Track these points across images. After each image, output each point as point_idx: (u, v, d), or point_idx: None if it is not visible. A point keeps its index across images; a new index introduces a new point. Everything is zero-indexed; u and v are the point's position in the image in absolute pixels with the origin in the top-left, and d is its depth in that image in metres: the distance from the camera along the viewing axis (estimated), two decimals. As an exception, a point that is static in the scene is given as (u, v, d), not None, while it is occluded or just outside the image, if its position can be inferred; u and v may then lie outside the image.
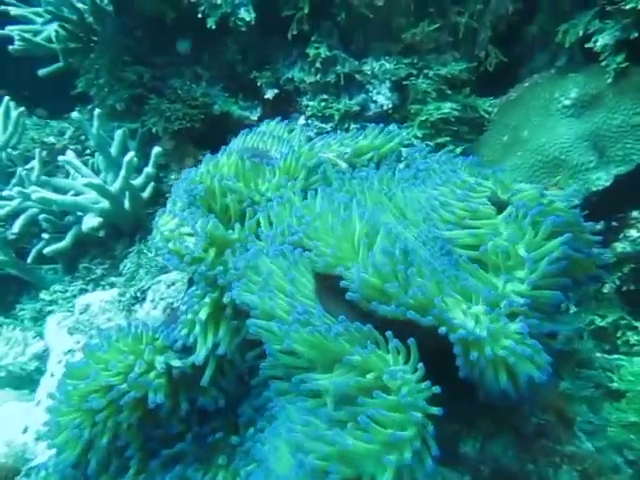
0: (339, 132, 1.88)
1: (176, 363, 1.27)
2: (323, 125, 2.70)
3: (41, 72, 3.23)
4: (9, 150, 2.78)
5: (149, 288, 1.91)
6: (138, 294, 1.92)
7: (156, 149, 2.57)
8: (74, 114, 2.57)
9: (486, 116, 2.91)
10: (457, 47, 2.85)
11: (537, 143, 2.63)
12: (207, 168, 1.45)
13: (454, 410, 1.17)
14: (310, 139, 1.73)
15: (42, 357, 1.83)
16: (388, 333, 1.11)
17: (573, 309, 2.29)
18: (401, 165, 1.71)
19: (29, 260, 2.56)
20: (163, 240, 1.32)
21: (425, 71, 2.82)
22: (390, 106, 2.73)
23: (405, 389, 1.02)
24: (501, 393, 1.12)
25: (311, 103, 2.73)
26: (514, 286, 1.16)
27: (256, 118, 2.92)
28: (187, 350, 1.33)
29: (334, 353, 1.08)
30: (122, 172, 2.39)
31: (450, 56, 2.88)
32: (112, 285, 2.47)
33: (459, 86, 2.90)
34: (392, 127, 1.81)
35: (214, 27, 2.68)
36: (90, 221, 2.35)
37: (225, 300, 1.27)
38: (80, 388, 1.18)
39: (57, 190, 2.69)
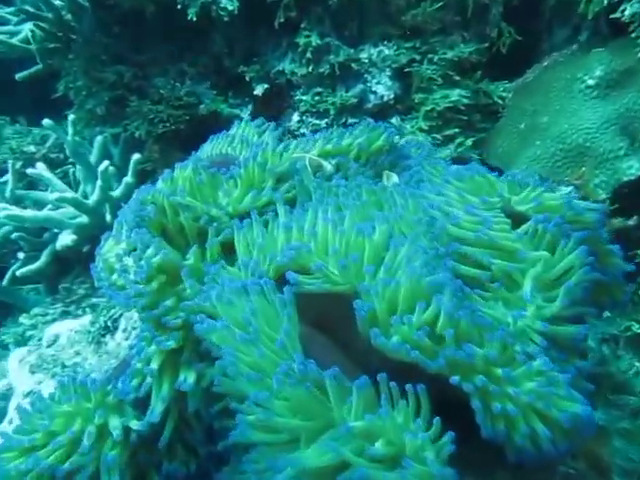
0: (329, 130, 1.66)
1: (135, 425, 1.07)
2: (318, 122, 2.49)
3: (18, 76, 3.07)
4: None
5: (121, 315, 1.73)
6: (109, 323, 1.75)
7: (135, 156, 2.39)
8: (46, 121, 2.40)
9: (500, 102, 2.66)
10: (466, 27, 2.61)
11: (558, 130, 2.39)
12: (161, 185, 1.25)
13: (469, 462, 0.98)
14: (282, 140, 1.52)
15: (7, 396, 1.66)
16: (392, 384, 0.90)
17: (606, 314, 2.05)
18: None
19: (4, 282, 2.41)
20: (106, 270, 1.13)
21: (430, 56, 2.58)
22: (392, 97, 2.50)
23: (430, 454, 0.81)
24: (536, 449, 0.91)
25: (304, 97, 2.51)
26: (530, 321, 0.94)
27: (247, 116, 2.72)
28: (146, 402, 1.14)
29: (327, 417, 0.87)
30: (98, 183, 2.21)
31: (458, 37, 2.64)
32: (93, 307, 2.30)
33: (469, 70, 2.65)
34: (380, 123, 1.58)
35: (195, 19, 2.48)
36: (64, 239, 2.18)
37: (179, 343, 1.07)
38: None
39: (37, 203, 2.54)
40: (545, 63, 2.53)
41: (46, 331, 1.76)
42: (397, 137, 1.74)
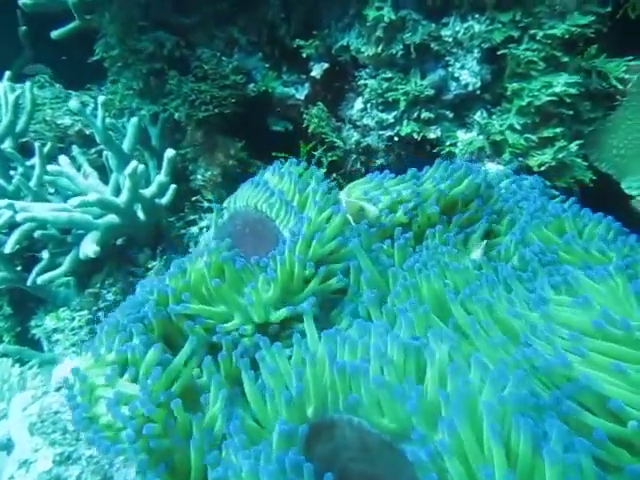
0: (384, 175, 1.32)
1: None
2: (384, 115, 2.11)
3: (54, 33, 2.82)
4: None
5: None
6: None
7: (169, 153, 2.14)
8: (72, 103, 2.15)
9: (619, 87, 2.17)
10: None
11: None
12: (169, 282, 0.98)
13: None
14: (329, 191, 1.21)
15: (6, 447, 1.51)
16: None
17: None
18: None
19: (29, 282, 2.26)
20: (87, 399, 0.89)
21: (532, 31, 2.12)
22: (478, 85, 2.08)
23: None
24: None
25: (370, 82, 2.13)
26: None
27: (303, 97, 2.40)
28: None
29: None
30: (127, 184, 1.97)
31: (573, 2, 2.11)
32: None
33: (581, 47, 2.15)
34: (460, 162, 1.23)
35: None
36: (87, 248, 1.98)
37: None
38: None
39: (68, 190, 2.34)
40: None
41: (55, 371, 1.57)
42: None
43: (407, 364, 0.83)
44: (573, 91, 2.09)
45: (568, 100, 2.09)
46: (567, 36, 2.09)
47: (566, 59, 2.13)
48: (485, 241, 1.28)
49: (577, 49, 2.17)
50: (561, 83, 2.09)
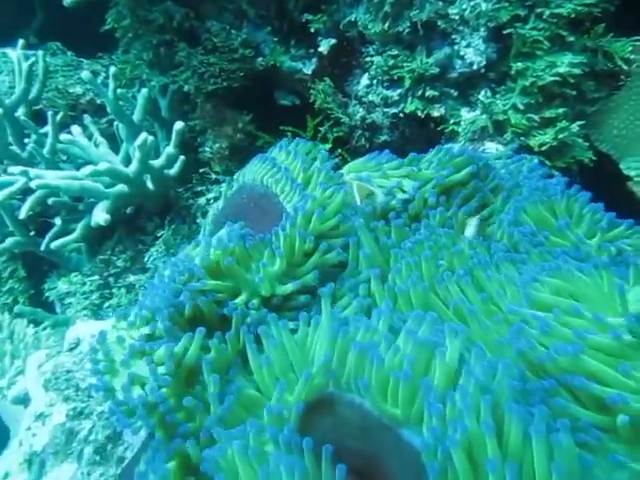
0: (386, 155, 1.37)
1: None
2: (389, 92, 2.15)
3: (67, 1, 2.84)
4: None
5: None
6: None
7: (178, 125, 2.19)
8: (85, 74, 2.20)
9: (624, 67, 2.18)
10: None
11: None
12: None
13: None
14: (337, 167, 1.27)
15: (22, 400, 1.62)
16: None
17: None
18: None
19: (42, 247, 2.36)
20: (109, 370, 0.97)
21: (539, 10, 2.13)
22: (483, 64, 2.11)
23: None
24: None
25: (377, 59, 2.16)
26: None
27: (310, 72, 2.43)
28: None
29: None
30: (137, 154, 2.04)
31: (581, -21, 2.12)
32: (129, 288, 2.22)
33: (588, 26, 2.16)
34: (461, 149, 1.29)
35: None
36: (98, 216, 2.06)
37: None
38: None
39: (80, 158, 2.41)
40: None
41: (68, 332, 1.68)
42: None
43: (420, 356, 0.88)
44: (577, 71, 2.11)
45: (572, 80, 2.12)
46: (574, 15, 2.10)
47: (572, 38, 2.14)
48: (477, 217, 1.33)
49: (583, 28, 2.18)
50: (565, 63, 2.11)
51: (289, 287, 1.09)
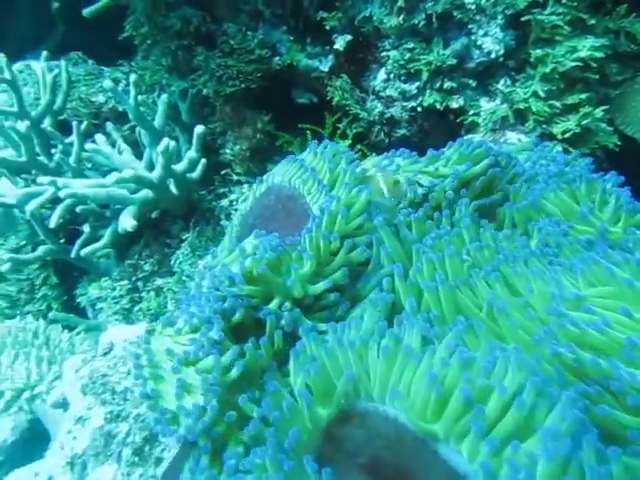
0: (404, 153, 1.38)
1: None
2: (407, 86, 2.15)
3: (86, 11, 2.91)
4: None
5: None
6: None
7: (199, 129, 2.23)
8: (106, 83, 2.25)
9: (648, 48, 2.15)
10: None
11: None
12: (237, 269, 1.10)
13: None
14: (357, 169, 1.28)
15: (61, 405, 1.68)
16: None
17: None
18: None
19: (72, 254, 2.42)
20: (153, 378, 0.99)
21: (558, -6, 2.08)
22: (501, 52, 2.09)
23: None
24: None
25: (393, 53, 2.16)
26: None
27: (327, 69, 2.44)
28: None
29: None
30: (160, 160, 2.08)
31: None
32: (157, 292, 2.27)
33: (609, 8, 2.13)
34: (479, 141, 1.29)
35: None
36: (125, 222, 2.12)
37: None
38: None
39: (105, 165, 2.47)
40: None
41: (102, 337, 1.73)
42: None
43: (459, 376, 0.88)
44: (599, 55, 2.08)
45: (594, 64, 2.08)
46: (594, -4, 2.07)
47: (593, 21, 2.11)
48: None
49: (605, 10, 2.15)
50: (587, 47, 2.08)
51: (320, 286, 1.11)
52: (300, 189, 1.30)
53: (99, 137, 2.35)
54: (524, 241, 1.29)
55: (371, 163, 1.40)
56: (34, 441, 2.14)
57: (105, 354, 1.73)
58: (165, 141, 2.06)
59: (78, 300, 2.72)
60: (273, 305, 1.10)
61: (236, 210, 2.46)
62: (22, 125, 2.33)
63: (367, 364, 0.94)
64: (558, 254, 1.25)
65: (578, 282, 1.05)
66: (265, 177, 1.50)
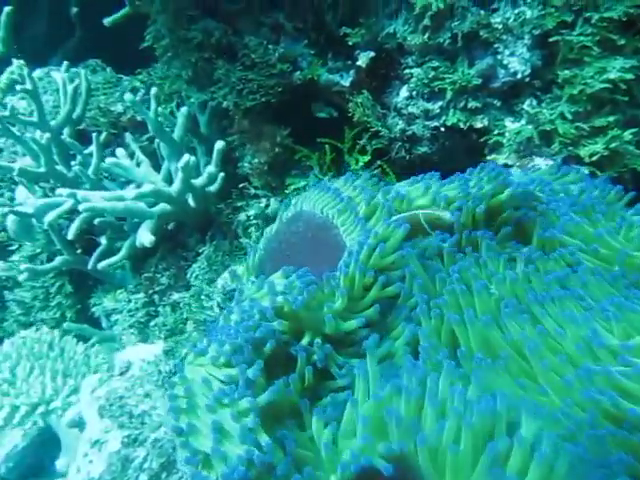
0: (423, 179, 1.37)
1: None
2: (430, 106, 2.13)
3: (106, 20, 2.93)
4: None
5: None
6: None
7: (219, 145, 2.23)
8: (127, 96, 2.26)
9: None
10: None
11: None
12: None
13: None
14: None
15: (78, 424, 1.68)
16: None
17: None
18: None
19: (89, 266, 2.43)
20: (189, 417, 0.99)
21: (587, 14, 2.07)
22: (527, 72, 2.07)
23: None
24: None
25: (416, 71, 2.15)
26: None
27: (348, 84, 2.43)
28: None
29: None
30: (179, 175, 2.08)
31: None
32: (173, 307, 2.27)
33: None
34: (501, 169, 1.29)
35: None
36: (143, 237, 2.12)
37: None
38: None
39: (124, 176, 2.48)
40: None
41: (118, 357, 1.73)
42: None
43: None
44: (629, 76, 2.05)
45: (623, 86, 2.06)
46: (625, 18, 2.04)
47: (623, 42, 2.08)
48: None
49: (635, 29, 2.12)
50: (616, 68, 2.05)
51: (353, 324, 1.11)
52: (333, 219, 1.29)
53: (119, 151, 2.36)
54: (553, 276, 1.27)
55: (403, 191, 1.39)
56: (44, 446, 2.14)
57: (122, 373, 1.73)
58: (186, 157, 2.06)
59: (92, 310, 2.73)
60: (305, 341, 1.09)
61: (252, 225, 2.45)
62: (43, 137, 2.34)
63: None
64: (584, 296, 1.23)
65: (612, 327, 1.04)
66: (294, 201, 1.49)
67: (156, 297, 2.40)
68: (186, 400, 1.02)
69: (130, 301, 2.44)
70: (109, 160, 2.25)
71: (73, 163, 2.42)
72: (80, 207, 2.09)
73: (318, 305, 1.10)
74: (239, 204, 2.56)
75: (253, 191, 2.59)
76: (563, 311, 1.08)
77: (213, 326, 1.20)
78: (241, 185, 2.56)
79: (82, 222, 2.29)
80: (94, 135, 2.43)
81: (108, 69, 3.41)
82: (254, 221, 2.47)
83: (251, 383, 1.01)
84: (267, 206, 2.54)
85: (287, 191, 2.54)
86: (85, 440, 1.57)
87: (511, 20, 2.05)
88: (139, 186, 2.27)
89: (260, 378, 1.02)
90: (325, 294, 1.12)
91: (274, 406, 1.00)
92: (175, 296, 2.33)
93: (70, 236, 2.29)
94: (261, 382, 1.02)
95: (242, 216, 2.50)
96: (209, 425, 0.97)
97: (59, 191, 2.27)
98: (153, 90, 2.34)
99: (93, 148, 2.44)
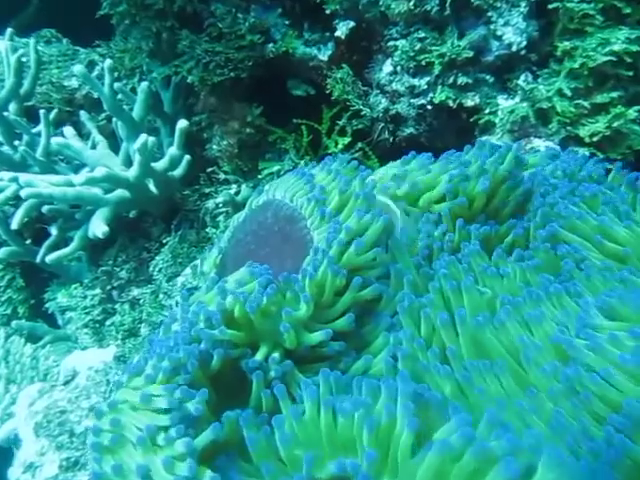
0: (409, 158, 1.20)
1: None
2: (416, 81, 1.95)
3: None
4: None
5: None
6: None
7: (181, 124, 2.04)
8: (77, 68, 2.04)
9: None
10: None
11: None
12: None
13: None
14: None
15: (13, 442, 1.49)
16: None
17: None
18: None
19: (38, 259, 2.22)
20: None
21: (590, -22, 1.89)
22: (523, 44, 1.90)
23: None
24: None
25: (401, 43, 1.96)
26: None
27: (326, 58, 2.24)
28: None
29: None
30: (137, 158, 1.88)
31: None
32: (132, 304, 2.07)
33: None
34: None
35: None
36: (96, 227, 1.91)
37: None
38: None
39: (77, 158, 2.26)
40: None
41: (64, 362, 1.54)
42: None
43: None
44: (635, 48, 1.89)
45: (628, 59, 1.90)
46: (632, -19, 1.88)
47: (628, 10, 1.92)
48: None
49: (643, -2, 1.96)
50: (621, 39, 1.89)
51: (317, 336, 0.92)
52: (301, 209, 1.10)
53: (67, 130, 2.13)
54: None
55: (380, 176, 1.21)
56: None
57: (66, 382, 1.55)
58: (143, 137, 1.85)
59: (47, 305, 2.52)
60: (259, 355, 0.91)
61: (221, 213, 2.26)
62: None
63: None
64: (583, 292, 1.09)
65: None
66: (266, 187, 1.29)
67: (114, 293, 2.20)
68: (111, 435, 0.84)
69: (85, 297, 2.23)
70: (55, 140, 2.03)
71: (18, 143, 2.20)
72: (22, 193, 1.87)
73: (278, 312, 0.93)
74: (207, 190, 2.36)
75: (223, 176, 2.39)
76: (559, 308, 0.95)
77: (154, 336, 1.01)
78: (209, 169, 2.36)
79: (28, 210, 2.08)
80: (42, 112, 2.20)
81: (65, 40, 3.15)
82: (223, 209, 2.27)
83: (193, 419, 0.84)
84: (238, 192, 2.35)
85: (260, 176, 2.35)
86: (18, 463, 1.38)
87: (506, -15, 1.87)
88: (93, 170, 2.05)
89: (205, 411, 0.84)
90: (287, 299, 0.94)
91: (219, 442, 0.82)
92: (135, 292, 2.13)
93: (14, 225, 2.07)
94: (206, 415, 0.85)
95: (210, 203, 2.30)
96: (134, 471, 0.79)
97: (1, 174, 2.05)
98: (107, 62, 2.12)
99: (41, 127, 2.21)
